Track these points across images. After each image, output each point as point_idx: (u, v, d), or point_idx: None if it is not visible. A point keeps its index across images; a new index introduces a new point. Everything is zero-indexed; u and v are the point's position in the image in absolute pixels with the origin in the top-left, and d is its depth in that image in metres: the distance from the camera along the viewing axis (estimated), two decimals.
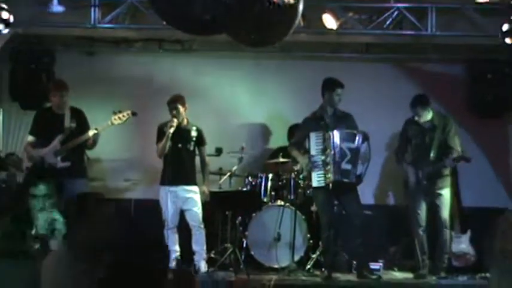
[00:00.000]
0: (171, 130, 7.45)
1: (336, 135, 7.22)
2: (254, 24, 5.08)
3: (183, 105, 7.60)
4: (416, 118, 7.56)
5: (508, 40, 7.36)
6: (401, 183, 7.88)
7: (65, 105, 7.45)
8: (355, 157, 7.23)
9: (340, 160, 7.22)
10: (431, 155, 7.44)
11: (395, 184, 8.59)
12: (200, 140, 7.74)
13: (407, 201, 7.74)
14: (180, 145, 7.59)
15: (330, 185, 7.20)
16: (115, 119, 7.34)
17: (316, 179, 7.30)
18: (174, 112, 7.54)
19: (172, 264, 7.55)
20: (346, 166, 7.23)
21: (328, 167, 7.21)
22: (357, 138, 7.27)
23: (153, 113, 8.20)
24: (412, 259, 7.72)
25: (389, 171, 8.63)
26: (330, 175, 7.20)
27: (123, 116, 7.37)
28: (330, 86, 7.45)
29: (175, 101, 7.58)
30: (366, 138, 7.32)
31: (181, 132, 7.60)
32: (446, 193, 7.47)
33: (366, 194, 7.82)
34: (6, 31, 7.36)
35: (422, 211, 7.49)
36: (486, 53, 8.64)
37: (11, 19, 7.29)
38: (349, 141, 7.26)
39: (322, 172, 7.26)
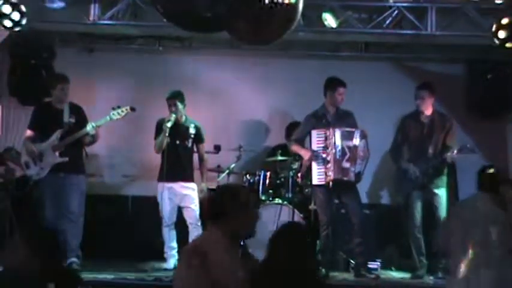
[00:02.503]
0: (169, 125, 7.45)
1: (336, 134, 7.23)
2: (254, 22, 5.09)
3: (182, 101, 7.60)
4: (418, 101, 7.52)
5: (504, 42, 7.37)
6: (395, 182, 7.89)
7: (66, 98, 7.45)
8: (353, 155, 7.24)
9: (340, 159, 7.22)
10: (430, 151, 7.45)
11: (390, 183, 8.59)
12: (198, 137, 7.74)
13: (403, 200, 7.73)
14: (177, 142, 7.60)
15: (330, 183, 7.20)
16: (113, 114, 7.34)
17: (317, 177, 7.30)
18: (173, 108, 7.54)
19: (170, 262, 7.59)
20: (345, 165, 7.23)
21: (329, 165, 7.22)
22: (355, 136, 7.27)
23: (153, 109, 8.21)
24: (409, 258, 7.71)
25: (385, 170, 8.61)
26: (330, 173, 7.21)
27: (122, 111, 7.37)
28: (332, 85, 7.46)
29: (174, 97, 7.58)
30: (363, 136, 7.32)
31: (179, 129, 7.60)
32: (442, 193, 7.46)
33: (361, 193, 7.79)
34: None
35: (418, 211, 7.47)
36: (486, 53, 8.63)
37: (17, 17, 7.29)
38: (348, 139, 7.26)
39: (322, 170, 7.27)
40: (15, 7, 7.19)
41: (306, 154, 7.46)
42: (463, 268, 5.12)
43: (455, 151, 7.24)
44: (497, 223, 5.15)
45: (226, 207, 3.56)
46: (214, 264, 3.38)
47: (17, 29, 7.31)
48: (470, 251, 5.13)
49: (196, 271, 3.36)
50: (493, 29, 7.31)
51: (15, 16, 7.21)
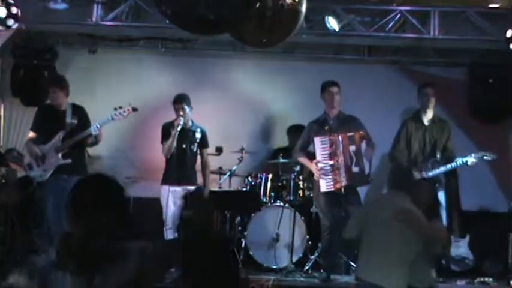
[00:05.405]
0: (178, 129, 7.42)
1: (343, 139, 7.17)
2: (257, 24, 5.09)
3: (189, 105, 7.56)
4: (424, 99, 7.52)
5: None
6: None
7: (59, 101, 7.42)
8: (358, 158, 7.20)
9: (349, 164, 7.17)
10: (438, 156, 7.45)
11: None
12: (203, 142, 7.72)
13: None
14: (184, 145, 7.56)
15: (342, 190, 7.14)
16: (115, 114, 7.30)
17: (325, 184, 7.22)
18: (181, 112, 7.49)
19: None
20: (355, 169, 7.18)
21: (340, 171, 7.14)
22: (356, 139, 7.25)
23: (155, 111, 8.21)
24: None
25: (386, 173, 8.60)
26: (342, 179, 7.12)
27: (124, 111, 7.33)
28: (324, 86, 7.44)
29: (181, 101, 7.52)
30: (362, 137, 7.28)
31: (186, 133, 7.58)
32: (441, 197, 7.46)
33: (361, 195, 7.77)
34: (15, 26, 7.35)
35: None
36: (488, 57, 8.64)
37: (19, 13, 7.30)
38: (351, 143, 7.24)
39: (331, 177, 7.20)
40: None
41: (312, 168, 7.37)
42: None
43: (474, 157, 7.29)
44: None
45: None
46: None
47: None
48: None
49: None
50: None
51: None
